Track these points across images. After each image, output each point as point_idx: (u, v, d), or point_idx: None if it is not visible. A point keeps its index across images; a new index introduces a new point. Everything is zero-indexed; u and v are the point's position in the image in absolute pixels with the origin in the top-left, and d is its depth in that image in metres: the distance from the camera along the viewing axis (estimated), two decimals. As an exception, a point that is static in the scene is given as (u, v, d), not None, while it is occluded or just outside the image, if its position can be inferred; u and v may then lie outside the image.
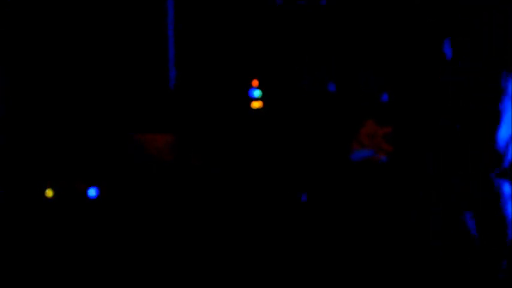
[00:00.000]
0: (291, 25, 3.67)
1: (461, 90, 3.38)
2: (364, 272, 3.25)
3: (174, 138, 3.56)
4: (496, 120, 3.32)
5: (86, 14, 3.69)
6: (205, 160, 3.49)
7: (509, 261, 3.20)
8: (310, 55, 3.63)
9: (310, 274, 3.23)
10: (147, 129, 3.61)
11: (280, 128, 3.54)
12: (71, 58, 3.66)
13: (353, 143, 3.42)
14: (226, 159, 3.48)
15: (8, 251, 3.28)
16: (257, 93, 3.68)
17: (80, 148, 3.52)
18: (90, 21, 3.68)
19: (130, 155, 3.49)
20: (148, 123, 3.62)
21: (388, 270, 3.26)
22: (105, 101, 3.64)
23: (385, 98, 3.43)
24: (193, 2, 3.86)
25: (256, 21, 3.74)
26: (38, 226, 3.35)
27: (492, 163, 3.31)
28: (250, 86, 3.68)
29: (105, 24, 3.72)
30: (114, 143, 3.54)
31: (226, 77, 3.71)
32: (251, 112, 3.62)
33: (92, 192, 3.37)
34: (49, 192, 3.37)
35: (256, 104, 3.66)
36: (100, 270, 3.27)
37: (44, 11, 3.65)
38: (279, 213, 3.35)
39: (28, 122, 3.56)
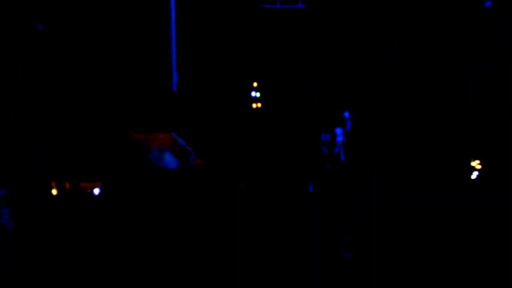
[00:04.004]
0: (288, 30, 3.74)
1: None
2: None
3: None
4: None
5: (94, 26, 3.77)
6: (207, 159, 3.54)
7: None
8: (308, 59, 3.69)
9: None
10: (151, 129, 3.69)
11: (280, 128, 3.59)
12: (79, 66, 3.74)
13: None
14: (226, 159, 3.54)
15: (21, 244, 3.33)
16: (256, 94, 3.74)
17: (87, 148, 3.59)
18: (98, 33, 3.76)
19: (133, 154, 3.55)
20: (153, 124, 3.68)
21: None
22: (112, 104, 3.71)
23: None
24: (194, 12, 3.94)
25: (254, 27, 3.81)
26: (44, 221, 3.40)
27: None
28: (249, 89, 3.74)
29: (112, 34, 3.80)
30: (119, 144, 3.61)
31: (226, 81, 3.78)
32: (251, 113, 3.68)
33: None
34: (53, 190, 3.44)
35: (255, 105, 3.72)
36: (100, 268, 3.31)
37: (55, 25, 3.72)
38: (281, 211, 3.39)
39: (45, 127, 3.64)
